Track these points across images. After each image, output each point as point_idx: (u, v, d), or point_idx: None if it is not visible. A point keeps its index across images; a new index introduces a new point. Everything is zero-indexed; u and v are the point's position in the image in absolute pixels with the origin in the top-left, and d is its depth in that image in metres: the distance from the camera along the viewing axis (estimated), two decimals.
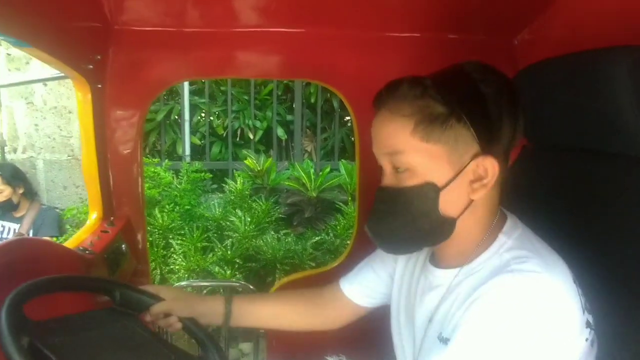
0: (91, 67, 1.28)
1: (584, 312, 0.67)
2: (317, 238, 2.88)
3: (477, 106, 0.71)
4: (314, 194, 3.16)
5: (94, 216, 1.38)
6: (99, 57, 1.31)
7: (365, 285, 1.02)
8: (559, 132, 0.96)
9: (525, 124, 0.77)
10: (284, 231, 2.97)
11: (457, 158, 0.71)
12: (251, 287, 1.73)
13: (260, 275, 2.74)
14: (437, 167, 0.72)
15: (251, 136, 4.01)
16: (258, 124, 4.02)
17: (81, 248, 1.11)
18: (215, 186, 3.47)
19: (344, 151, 4.19)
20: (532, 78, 1.01)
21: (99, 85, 1.32)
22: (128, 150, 1.42)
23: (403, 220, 0.75)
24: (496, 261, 0.71)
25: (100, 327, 0.88)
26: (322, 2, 1.29)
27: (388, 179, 0.77)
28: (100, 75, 1.32)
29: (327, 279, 1.12)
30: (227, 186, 3.19)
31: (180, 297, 1.02)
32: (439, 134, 0.71)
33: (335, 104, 4.08)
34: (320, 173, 3.31)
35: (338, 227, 2.92)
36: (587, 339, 0.67)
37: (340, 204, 3.09)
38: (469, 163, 0.71)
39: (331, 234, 2.93)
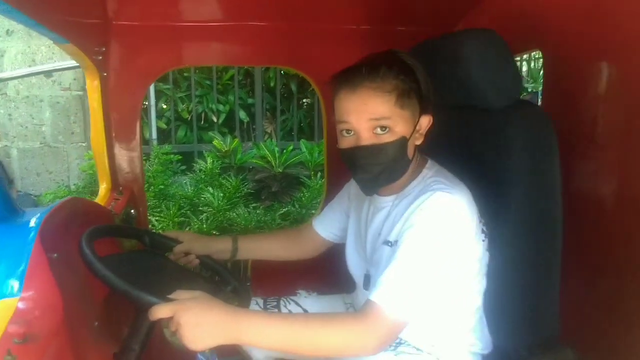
0: (100, 57, 1.50)
1: (480, 221, 1.00)
2: (284, 209, 3.17)
3: (418, 79, 1.01)
4: (280, 170, 3.44)
5: (103, 186, 1.61)
6: (104, 49, 1.53)
7: (329, 224, 1.33)
8: (443, 94, 1.26)
9: None
10: (254, 205, 3.24)
11: (413, 118, 1.00)
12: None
13: None
14: (406, 126, 0.99)
15: (215, 119, 4.22)
16: (221, 107, 4.23)
17: (108, 208, 1.36)
18: (184, 167, 3.68)
19: (302, 131, 4.47)
20: (424, 53, 1.31)
21: (105, 74, 1.54)
22: (129, 131, 1.65)
23: (385, 166, 1.00)
24: (422, 186, 1.01)
25: (143, 262, 1.14)
26: (292, 1, 1.56)
27: (367, 140, 0.99)
28: (105, 65, 1.54)
29: None
30: (197, 166, 3.41)
31: (196, 238, 1.29)
32: (408, 103, 0.98)
33: (294, 88, 4.34)
34: (284, 151, 3.59)
35: (303, 199, 3.23)
36: (483, 240, 1.01)
37: (304, 178, 3.39)
38: (418, 120, 1.01)
39: (297, 205, 3.23)
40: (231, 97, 4.26)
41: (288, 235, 1.44)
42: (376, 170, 1.02)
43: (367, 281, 1.11)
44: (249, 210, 3.15)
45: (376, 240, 1.09)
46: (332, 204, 1.35)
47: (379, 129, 0.98)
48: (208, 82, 4.21)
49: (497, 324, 1.09)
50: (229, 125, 4.32)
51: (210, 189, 3.20)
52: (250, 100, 4.39)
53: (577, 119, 1.25)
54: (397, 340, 1.08)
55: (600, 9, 1.13)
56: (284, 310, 1.33)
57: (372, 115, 0.97)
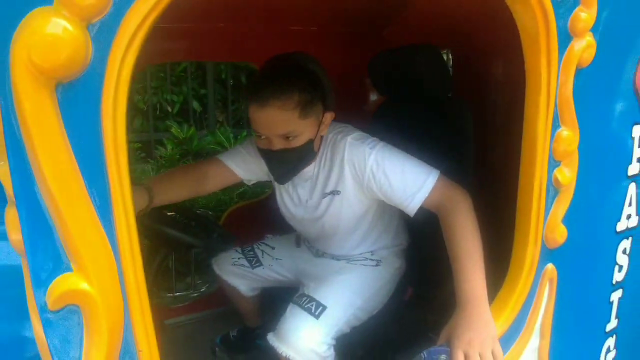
0: None
1: None
2: (240, 189, 3.48)
3: (319, 85, 1.20)
4: None
5: None
6: None
7: (242, 161, 1.45)
8: (396, 93, 1.67)
9: (381, 86, 1.47)
10: None
11: (317, 120, 1.21)
12: (210, 212, 2.31)
13: None
14: (311, 129, 1.20)
15: (169, 109, 4.43)
16: (175, 98, 4.45)
17: None
18: (144, 154, 3.90)
19: None
20: (381, 63, 1.70)
21: None
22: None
23: (295, 163, 1.25)
24: (330, 147, 1.29)
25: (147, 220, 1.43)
26: (253, 4, 1.88)
27: (278, 145, 1.18)
28: None
29: (260, 207, 1.72)
30: (157, 152, 3.65)
31: None
32: (311, 111, 1.17)
33: (243, 79, 4.63)
34: (239, 137, 3.90)
35: None
36: None
37: None
38: (321, 120, 1.23)
39: (251, 186, 3.55)
40: (184, 88, 4.48)
41: (193, 176, 1.43)
42: (287, 167, 1.26)
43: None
44: None
45: (307, 202, 1.38)
46: (247, 146, 1.44)
47: (287, 137, 1.17)
48: (162, 74, 4.42)
49: None
50: (182, 114, 4.55)
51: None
52: (202, 91, 4.63)
53: (479, 106, 1.66)
54: (349, 258, 1.47)
55: (493, 14, 1.54)
56: (258, 252, 1.65)
57: (279, 131, 1.17)
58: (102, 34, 0.54)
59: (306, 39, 2.03)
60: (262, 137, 1.20)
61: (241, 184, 3.63)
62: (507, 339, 1.07)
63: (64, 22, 0.52)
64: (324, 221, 1.40)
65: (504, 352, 1.06)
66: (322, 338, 1.27)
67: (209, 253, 1.77)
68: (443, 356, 1.00)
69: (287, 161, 1.24)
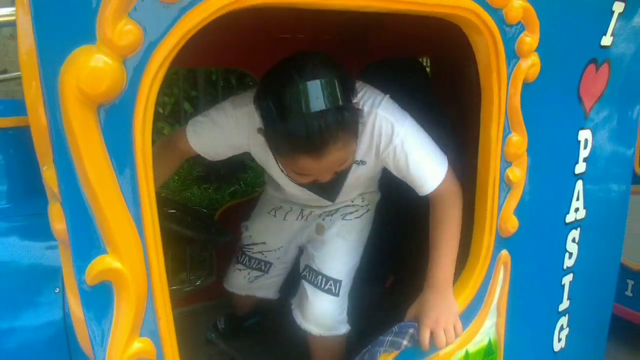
0: None
1: None
2: (232, 189, 3.63)
3: (352, 93, 1.11)
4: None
5: None
6: None
7: (207, 153, 1.32)
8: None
9: None
10: (205, 186, 3.67)
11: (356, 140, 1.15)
12: (204, 210, 2.46)
13: None
14: (354, 149, 1.15)
15: (161, 110, 4.54)
16: (166, 99, 4.56)
17: None
18: None
19: None
20: (373, 72, 1.86)
21: None
22: None
23: (345, 178, 1.25)
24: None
25: None
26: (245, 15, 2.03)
27: (328, 177, 1.13)
28: None
29: (252, 205, 1.81)
30: None
31: None
32: (354, 141, 1.13)
33: (233, 81, 4.76)
34: None
35: (248, 179, 3.71)
36: None
37: (248, 160, 3.86)
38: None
39: (242, 185, 3.70)
40: (176, 90, 4.60)
41: (175, 159, 1.36)
42: (339, 187, 1.27)
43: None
44: (201, 190, 3.58)
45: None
46: (219, 127, 1.27)
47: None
48: None
49: None
50: (174, 116, 4.66)
51: None
52: (193, 93, 4.75)
53: (455, 109, 1.83)
54: (339, 206, 1.55)
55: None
56: (259, 256, 1.71)
57: (334, 168, 1.12)
58: (135, 67, 0.69)
59: (294, 47, 2.18)
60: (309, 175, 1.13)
61: (233, 182, 3.73)
62: (467, 316, 1.24)
63: (105, 58, 0.67)
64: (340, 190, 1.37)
65: (464, 327, 1.24)
66: (344, 307, 1.50)
67: (207, 246, 1.91)
68: (411, 330, 1.16)
69: (339, 182, 1.22)
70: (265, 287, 1.76)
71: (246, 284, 1.74)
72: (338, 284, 1.47)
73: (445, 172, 1.22)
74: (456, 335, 1.18)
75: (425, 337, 1.15)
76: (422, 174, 1.21)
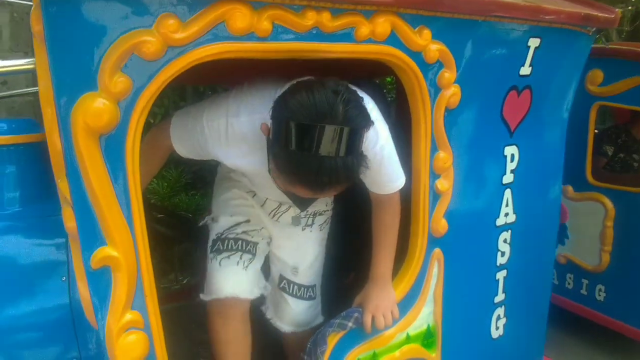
0: None
1: None
2: None
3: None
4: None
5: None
6: None
7: (189, 145, 1.31)
8: None
9: None
10: (192, 192, 3.90)
11: None
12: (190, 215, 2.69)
13: None
14: None
15: (152, 120, 4.78)
16: (156, 109, 4.80)
17: None
18: None
19: None
20: None
21: None
22: None
23: None
24: None
25: None
26: None
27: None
28: None
29: None
30: None
31: None
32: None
33: (220, 90, 5.01)
34: None
35: None
36: None
37: None
38: None
39: None
40: (165, 101, 4.84)
41: (162, 157, 1.43)
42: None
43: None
44: (188, 197, 3.81)
45: None
46: (197, 132, 1.25)
47: None
48: None
49: None
50: None
51: (154, 180, 3.81)
52: (182, 103, 4.99)
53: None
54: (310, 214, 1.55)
55: None
56: (244, 236, 1.52)
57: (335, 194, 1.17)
58: (126, 107, 0.93)
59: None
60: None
61: None
62: (405, 304, 1.49)
63: (104, 101, 0.91)
64: None
65: (404, 313, 1.48)
66: (319, 302, 1.62)
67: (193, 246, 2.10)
68: (356, 314, 1.41)
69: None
70: (252, 282, 1.50)
71: (244, 279, 1.46)
72: (315, 288, 1.60)
73: (404, 181, 1.35)
74: (393, 319, 1.43)
75: (368, 320, 1.39)
76: (389, 178, 1.32)
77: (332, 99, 1.00)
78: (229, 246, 1.48)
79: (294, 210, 1.52)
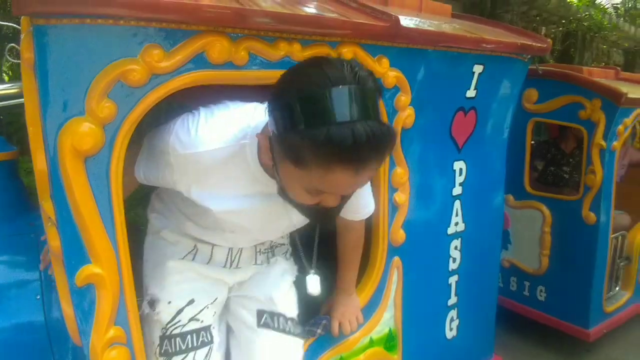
0: None
1: None
2: None
3: None
4: None
5: None
6: None
7: (152, 176, 1.20)
8: None
9: None
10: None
11: None
12: None
13: None
14: None
15: None
16: None
17: None
18: None
19: None
20: None
21: None
22: None
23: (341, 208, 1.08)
24: None
25: None
26: None
27: (338, 201, 0.99)
28: None
29: None
30: None
31: None
32: None
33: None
34: None
35: None
36: None
37: None
38: None
39: None
40: None
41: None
42: (335, 212, 1.07)
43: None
44: (145, 211, 3.77)
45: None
46: (154, 167, 1.16)
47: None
48: None
49: None
50: None
51: None
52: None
53: None
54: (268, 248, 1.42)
55: None
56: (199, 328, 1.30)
57: (355, 189, 0.98)
58: (111, 130, 0.98)
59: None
60: (324, 193, 0.96)
61: None
62: (368, 310, 1.59)
63: (91, 125, 0.96)
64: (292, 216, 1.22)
65: (366, 318, 1.59)
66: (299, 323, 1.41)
67: None
68: (324, 321, 1.50)
69: (338, 208, 1.04)
70: None
71: None
72: (291, 320, 1.38)
73: (374, 207, 1.41)
74: (358, 324, 1.53)
75: (335, 326, 1.49)
76: (365, 203, 1.36)
77: (340, 64, 0.89)
78: (178, 347, 1.24)
79: (250, 250, 1.37)
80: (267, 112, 0.96)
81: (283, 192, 1.03)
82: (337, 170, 0.87)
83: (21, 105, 1.55)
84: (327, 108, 0.84)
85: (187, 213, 1.28)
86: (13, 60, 1.50)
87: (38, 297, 1.24)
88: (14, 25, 1.71)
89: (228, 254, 1.33)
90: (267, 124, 1.00)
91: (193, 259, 1.31)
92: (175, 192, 1.18)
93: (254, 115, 1.10)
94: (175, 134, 1.08)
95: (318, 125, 0.84)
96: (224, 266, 1.34)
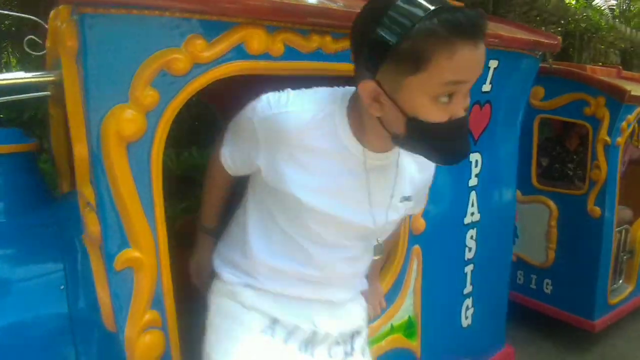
0: None
1: None
2: (184, 204, 3.85)
3: None
4: (178, 173, 4.13)
5: None
6: None
7: (240, 165, 1.08)
8: None
9: None
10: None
11: None
12: None
13: None
14: None
15: None
16: None
17: None
18: None
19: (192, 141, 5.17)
20: None
21: None
22: None
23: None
24: None
25: None
26: None
27: (467, 101, 0.90)
28: None
29: None
30: None
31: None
32: None
33: None
34: (180, 157, 4.29)
35: (199, 194, 3.95)
36: None
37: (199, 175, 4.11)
38: None
39: (194, 199, 3.93)
40: None
41: (228, 189, 1.24)
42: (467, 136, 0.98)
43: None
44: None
45: (388, 198, 1.05)
46: (238, 143, 1.06)
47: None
48: None
49: None
50: None
51: None
52: None
53: None
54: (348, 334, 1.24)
55: None
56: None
57: (482, 65, 0.89)
58: (153, 116, 1.01)
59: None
60: (451, 99, 0.87)
61: (185, 198, 3.96)
62: (390, 296, 1.63)
63: (133, 112, 0.99)
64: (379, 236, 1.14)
65: (389, 304, 1.62)
66: None
67: None
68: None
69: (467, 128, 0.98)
70: None
71: None
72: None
73: None
74: (382, 309, 1.56)
75: None
76: (423, 199, 1.33)
77: None
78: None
79: (328, 336, 1.16)
80: (359, 59, 0.92)
81: (410, 132, 0.90)
82: (459, 46, 0.82)
83: (42, 98, 1.58)
84: (420, 2, 0.84)
85: (273, 210, 1.07)
86: (32, 52, 1.51)
87: (62, 287, 1.25)
88: (35, 18, 1.73)
89: (305, 339, 1.13)
90: (355, 89, 0.95)
91: (272, 334, 1.10)
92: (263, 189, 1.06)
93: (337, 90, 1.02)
94: (262, 99, 0.98)
95: (423, 19, 0.82)
96: (299, 350, 1.12)
